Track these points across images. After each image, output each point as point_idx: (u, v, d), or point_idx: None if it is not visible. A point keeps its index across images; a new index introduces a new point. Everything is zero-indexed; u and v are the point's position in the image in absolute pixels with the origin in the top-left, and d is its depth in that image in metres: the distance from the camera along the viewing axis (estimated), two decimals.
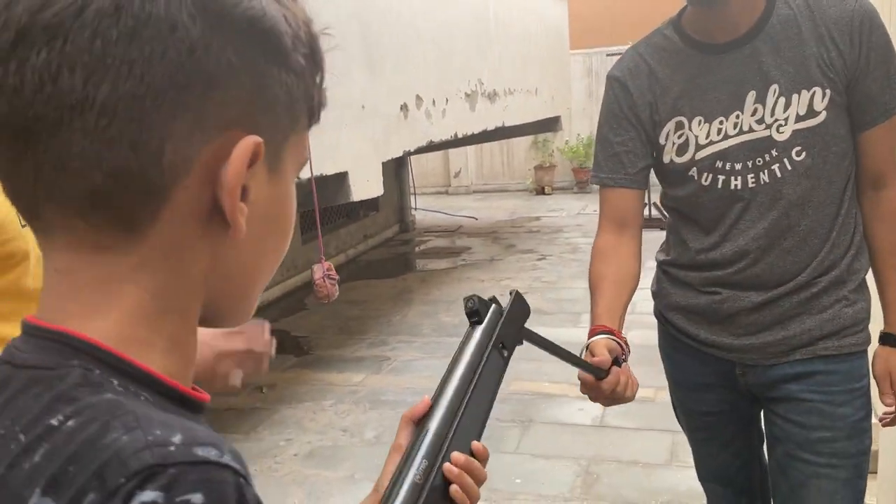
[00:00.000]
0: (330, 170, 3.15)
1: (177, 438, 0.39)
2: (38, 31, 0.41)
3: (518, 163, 11.29)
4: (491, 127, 5.62)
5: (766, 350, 1.44)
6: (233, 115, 0.45)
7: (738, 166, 1.38)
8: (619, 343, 1.34)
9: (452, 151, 10.90)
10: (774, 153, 1.36)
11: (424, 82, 4.28)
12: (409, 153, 4.31)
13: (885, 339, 1.44)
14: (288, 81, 0.48)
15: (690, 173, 1.43)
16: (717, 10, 1.33)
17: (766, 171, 1.37)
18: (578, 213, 9.20)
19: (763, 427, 1.59)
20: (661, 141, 1.45)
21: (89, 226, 0.44)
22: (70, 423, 0.40)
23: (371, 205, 7.74)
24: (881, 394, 1.44)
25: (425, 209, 9.45)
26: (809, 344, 1.41)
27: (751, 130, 1.36)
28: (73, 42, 0.41)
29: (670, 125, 1.43)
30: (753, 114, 1.36)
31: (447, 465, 0.66)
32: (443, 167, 11.66)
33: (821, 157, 1.36)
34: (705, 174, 1.41)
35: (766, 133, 1.36)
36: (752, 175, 1.38)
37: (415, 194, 9.28)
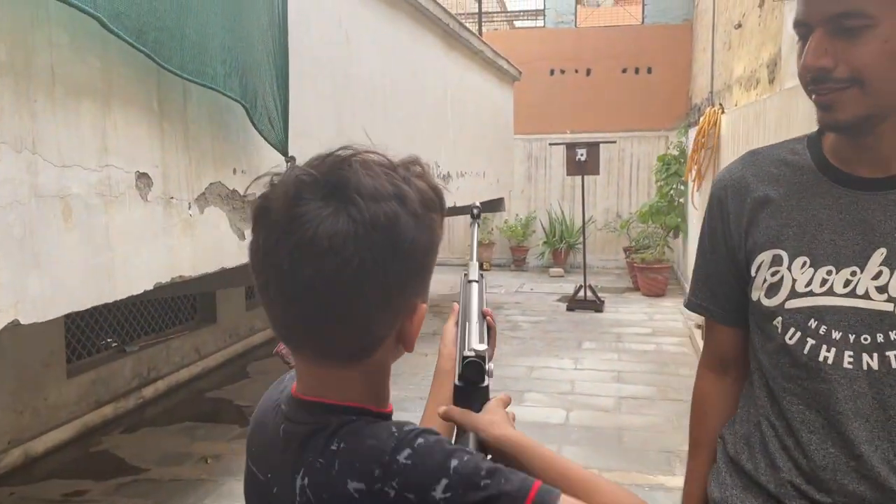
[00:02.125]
0: None
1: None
2: (300, 287, 0.73)
3: (458, 239, 11.56)
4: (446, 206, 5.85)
5: None
6: (411, 294, 0.78)
7: (836, 335, 1.07)
8: None
9: None
10: (894, 337, 1.05)
11: None
12: None
13: None
14: (433, 250, 0.80)
15: (775, 323, 1.13)
16: (864, 140, 1.07)
17: (876, 355, 1.05)
18: (517, 290, 9.47)
19: None
20: (752, 272, 1.17)
21: (333, 362, 0.80)
22: (404, 456, 0.72)
23: None
24: None
25: None
26: None
27: (867, 297, 1.06)
28: (339, 289, 0.74)
29: (766, 256, 1.14)
30: (876, 277, 1.06)
31: (486, 309, 1.06)
32: None
33: None
34: (792, 330, 1.11)
35: (890, 308, 1.05)
36: (853, 354, 1.06)
37: None
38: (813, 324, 1.09)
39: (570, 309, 8.10)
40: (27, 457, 4.08)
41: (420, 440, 0.73)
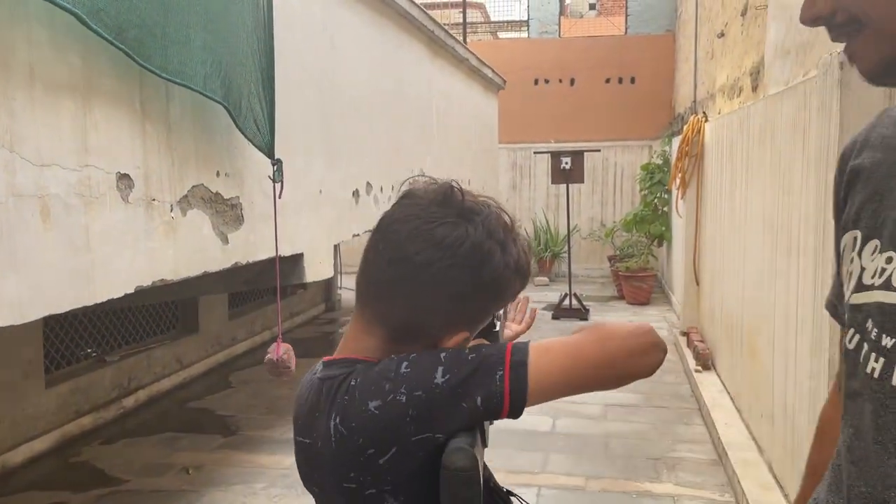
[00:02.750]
0: (287, 251, 3.21)
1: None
2: (399, 256, 0.94)
3: None
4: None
5: None
6: (464, 319, 0.96)
7: (889, 342, 0.80)
8: None
9: None
10: None
11: (375, 170, 4.45)
12: (357, 236, 4.42)
13: None
14: (500, 300, 0.99)
15: (846, 321, 0.90)
16: None
17: None
18: None
19: None
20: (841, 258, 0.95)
21: (383, 332, 0.96)
22: (404, 367, 0.90)
23: (300, 283, 7.73)
24: None
25: (351, 288, 9.46)
26: None
27: None
28: (426, 275, 0.92)
29: (847, 238, 0.91)
30: None
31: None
32: None
33: None
34: (851, 331, 0.87)
35: None
36: None
37: (341, 273, 9.31)
38: (869, 324, 0.83)
39: (555, 317, 8.08)
40: (5, 468, 3.99)
41: (414, 355, 0.91)
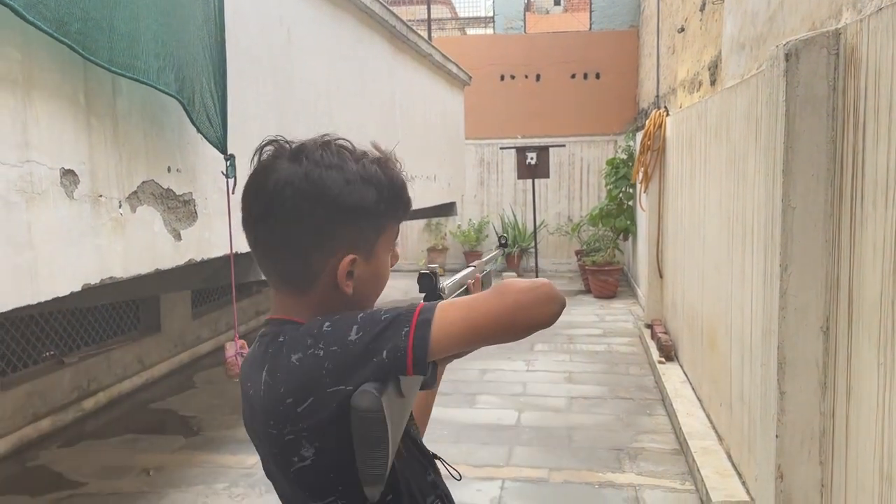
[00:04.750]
0: (244, 247, 3.17)
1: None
2: (258, 221, 1.02)
3: (412, 244, 11.52)
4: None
5: None
6: (341, 243, 1.02)
7: None
8: None
9: None
10: None
11: None
12: None
13: None
14: (373, 224, 1.04)
15: None
16: None
17: None
18: None
19: None
20: None
21: (289, 289, 1.05)
22: (326, 326, 0.98)
23: (264, 280, 7.64)
24: None
25: None
26: None
27: None
28: (279, 221, 1.01)
29: None
30: None
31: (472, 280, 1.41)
32: None
33: None
34: None
35: None
36: None
37: None
38: None
39: None
40: None
41: (337, 316, 0.99)
